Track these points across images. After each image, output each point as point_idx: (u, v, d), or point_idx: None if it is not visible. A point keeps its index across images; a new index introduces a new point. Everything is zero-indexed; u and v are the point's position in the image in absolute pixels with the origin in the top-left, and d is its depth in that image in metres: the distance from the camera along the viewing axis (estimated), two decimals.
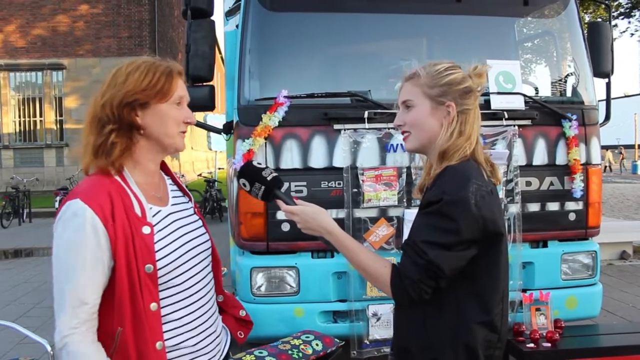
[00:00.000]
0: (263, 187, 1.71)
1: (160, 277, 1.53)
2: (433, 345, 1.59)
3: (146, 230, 1.51)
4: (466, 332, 1.58)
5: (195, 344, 1.61)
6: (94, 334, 1.47)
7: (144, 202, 1.56)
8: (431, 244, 1.52)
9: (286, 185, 3.42)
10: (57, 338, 1.44)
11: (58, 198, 12.98)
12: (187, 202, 1.76)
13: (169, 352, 1.54)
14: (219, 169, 15.93)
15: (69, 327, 1.43)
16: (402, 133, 1.74)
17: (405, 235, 1.70)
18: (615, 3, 12.65)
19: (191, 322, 1.61)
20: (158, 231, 1.55)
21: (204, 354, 1.64)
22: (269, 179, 1.72)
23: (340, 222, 3.40)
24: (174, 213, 1.65)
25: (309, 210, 1.69)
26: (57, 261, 1.46)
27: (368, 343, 3.48)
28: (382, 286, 1.60)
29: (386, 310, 3.44)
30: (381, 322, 3.47)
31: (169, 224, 1.60)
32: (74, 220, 1.45)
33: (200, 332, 1.63)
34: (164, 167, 1.75)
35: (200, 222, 1.75)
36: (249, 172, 1.74)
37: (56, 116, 19.67)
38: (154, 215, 1.57)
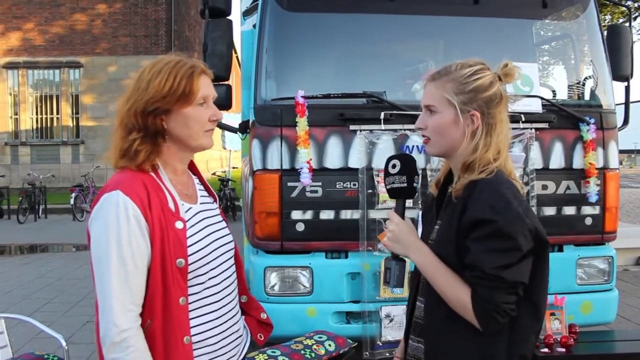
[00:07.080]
0: (406, 183, 1.71)
1: (189, 272, 1.54)
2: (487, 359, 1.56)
3: (179, 225, 1.53)
4: (523, 343, 1.56)
5: (215, 343, 1.61)
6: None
7: (177, 198, 1.58)
8: (502, 267, 1.47)
9: (302, 185, 3.43)
10: (113, 332, 1.42)
11: (73, 195, 13.19)
12: (213, 203, 1.77)
13: None
14: (233, 168, 15.94)
15: (129, 321, 1.43)
16: (423, 136, 1.69)
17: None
18: (636, 4, 12.43)
19: (212, 320, 1.61)
20: (189, 227, 1.57)
21: (223, 354, 1.64)
22: (414, 184, 1.72)
23: (354, 222, 3.43)
24: (202, 211, 1.67)
25: (406, 224, 1.67)
26: (105, 254, 1.45)
27: (381, 344, 3.47)
28: (465, 313, 1.54)
29: (399, 311, 3.43)
30: (394, 324, 3.46)
31: (198, 222, 1.62)
32: (118, 212, 1.45)
33: (221, 332, 1.63)
34: (192, 167, 1.76)
35: (224, 223, 1.76)
36: (408, 164, 1.73)
37: (73, 113, 19.86)
38: (185, 212, 1.59)
